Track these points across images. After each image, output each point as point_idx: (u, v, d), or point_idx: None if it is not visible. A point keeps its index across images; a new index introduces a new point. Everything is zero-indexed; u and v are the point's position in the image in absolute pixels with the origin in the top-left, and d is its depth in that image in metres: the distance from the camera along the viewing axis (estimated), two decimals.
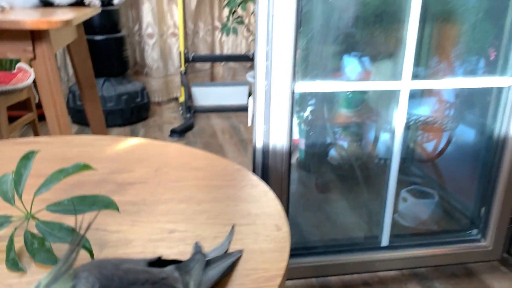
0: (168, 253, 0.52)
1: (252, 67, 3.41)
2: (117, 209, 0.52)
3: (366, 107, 1.80)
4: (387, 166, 1.58)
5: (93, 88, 1.78)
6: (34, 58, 1.29)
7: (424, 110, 1.69)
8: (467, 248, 1.60)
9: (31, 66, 2.11)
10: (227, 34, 2.82)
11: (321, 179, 1.89)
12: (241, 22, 2.86)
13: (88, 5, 1.65)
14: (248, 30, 3.31)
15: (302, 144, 1.84)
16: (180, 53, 3.25)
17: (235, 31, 2.84)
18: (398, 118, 1.46)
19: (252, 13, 2.94)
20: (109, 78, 2.90)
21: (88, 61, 1.73)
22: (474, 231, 1.63)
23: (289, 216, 1.40)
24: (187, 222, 0.59)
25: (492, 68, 1.52)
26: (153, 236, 0.56)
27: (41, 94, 1.32)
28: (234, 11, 2.75)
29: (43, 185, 0.53)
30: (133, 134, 2.78)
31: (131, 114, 2.92)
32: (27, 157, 0.55)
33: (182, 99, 3.29)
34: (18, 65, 2.14)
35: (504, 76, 1.45)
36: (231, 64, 3.57)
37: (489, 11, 1.50)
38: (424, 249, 1.59)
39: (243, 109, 3.22)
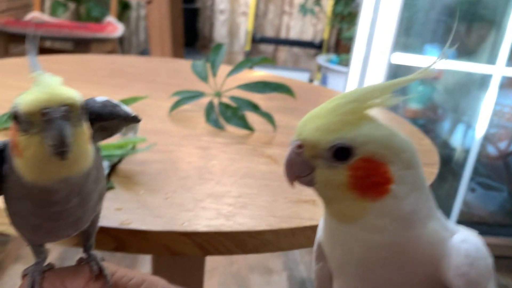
0: None
1: (316, 55, 3.45)
2: (295, 96, 0.58)
3: (434, 103, 1.83)
4: (460, 158, 1.61)
5: (181, 48, 1.86)
6: (151, 1, 1.39)
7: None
8: None
9: (119, 20, 2.24)
10: (304, 15, 2.91)
11: None
12: (319, 4, 2.92)
13: None
14: (318, 17, 3.36)
15: None
16: (247, 32, 3.33)
17: (312, 12, 2.92)
18: (486, 105, 1.49)
19: None
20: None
21: (181, 19, 1.81)
22: None
23: None
24: None
25: None
26: None
27: (151, 37, 1.41)
28: None
29: (234, 70, 0.60)
30: None
31: None
32: (218, 47, 0.62)
33: None
34: (107, 19, 2.26)
35: None
36: (295, 50, 3.63)
37: None
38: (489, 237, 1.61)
39: None
